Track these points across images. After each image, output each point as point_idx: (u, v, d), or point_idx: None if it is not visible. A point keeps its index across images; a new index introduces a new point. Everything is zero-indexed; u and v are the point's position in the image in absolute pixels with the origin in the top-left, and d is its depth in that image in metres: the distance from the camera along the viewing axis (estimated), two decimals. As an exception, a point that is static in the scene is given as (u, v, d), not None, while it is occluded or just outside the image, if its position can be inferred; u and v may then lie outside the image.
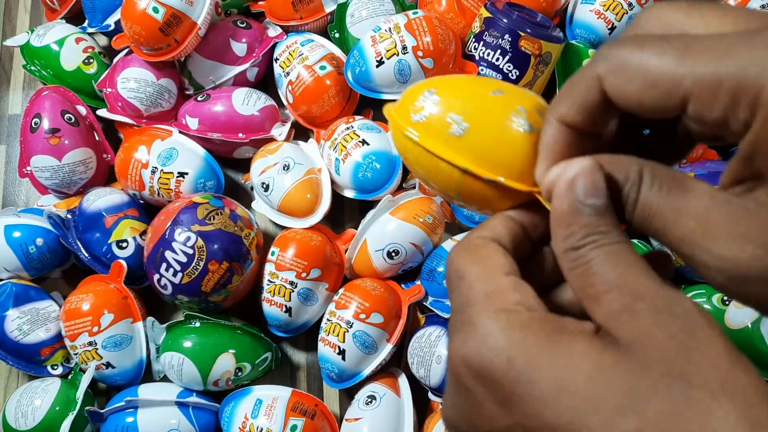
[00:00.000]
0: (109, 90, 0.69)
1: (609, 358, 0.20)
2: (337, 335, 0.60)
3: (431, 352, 0.59)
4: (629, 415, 0.19)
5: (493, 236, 0.25)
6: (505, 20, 0.62)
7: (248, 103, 0.67)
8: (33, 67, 0.71)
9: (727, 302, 0.58)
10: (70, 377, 0.63)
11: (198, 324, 0.62)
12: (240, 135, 0.67)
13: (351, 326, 0.59)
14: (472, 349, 0.22)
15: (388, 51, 0.63)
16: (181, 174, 0.65)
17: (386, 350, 0.60)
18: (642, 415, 0.19)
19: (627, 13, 0.68)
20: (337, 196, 0.67)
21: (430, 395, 0.63)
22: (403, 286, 0.65)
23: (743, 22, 0.22)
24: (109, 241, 0.63)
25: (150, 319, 0.62)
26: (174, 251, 0.58)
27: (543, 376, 0.20)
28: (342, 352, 0.59)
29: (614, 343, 0.20)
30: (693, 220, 0.21)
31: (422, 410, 0.63)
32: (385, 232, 0.63)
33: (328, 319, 0.61)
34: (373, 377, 0.62)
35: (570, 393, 0.20)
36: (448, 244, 0.64)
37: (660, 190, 0.22)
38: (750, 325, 0.57)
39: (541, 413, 0.20)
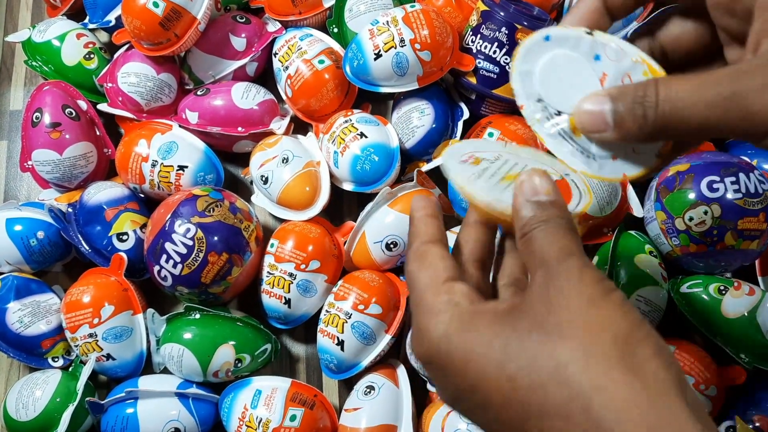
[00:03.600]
0: (110, 85, 0.70)
1: (499, 327, 0.27)
2: (336, 326, 0.60)
3: None
4: (507, 367, 0.26)
5: (433, 239, 0.33)
6: (501, 13, 0.63)
7: (247, 97, 0.68)
8: (34, 63, 0.72)
9: (723, 292, 0.59)
10: (70, 369, 0.64)
11: (198, 316, 0.62)
12: (239, 129, 0.68)
13: (350, 317, 0.60)
14: (423, 351, 0.29)
15: (385, 44, 0.63)
16: (181, 167, 0.65)
17: (385, 341, 0.61)
18: (515, 363, 0.26)
19: (623, 7, 0.69)
20: (335, 189, 0.67)
21: (429, 387, 0.63)
22: (401, 278, 0.65)
23: None
24: (109, 234, 0.64)
25: (150, 310, 0.63)
26: (174, 243, 0.59)
27: (456, 358, 0.27)
28: (341, 343, 0.60)
29: (511, 313, 0.27)
30: (715, 89, 0.27)
31: (421, 401, 0.63)
32: (384, 224, 0.63)
33: (327, 311, 0.62)
34: (372, 368, 0.62)
35: (474, 362, 0.27)
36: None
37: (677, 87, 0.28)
38: (746, 314, 0.57)
39: (460, 383, 0.28)
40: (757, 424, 0.57)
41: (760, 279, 0.63)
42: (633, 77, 0.30)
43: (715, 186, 0.58)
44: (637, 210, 0.64)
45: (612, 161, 0.31)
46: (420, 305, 0.30)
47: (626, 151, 0.31)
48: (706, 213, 0.58)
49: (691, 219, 0.59)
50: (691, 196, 0.59)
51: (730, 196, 0.58)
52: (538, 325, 0.26)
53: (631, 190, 0.65)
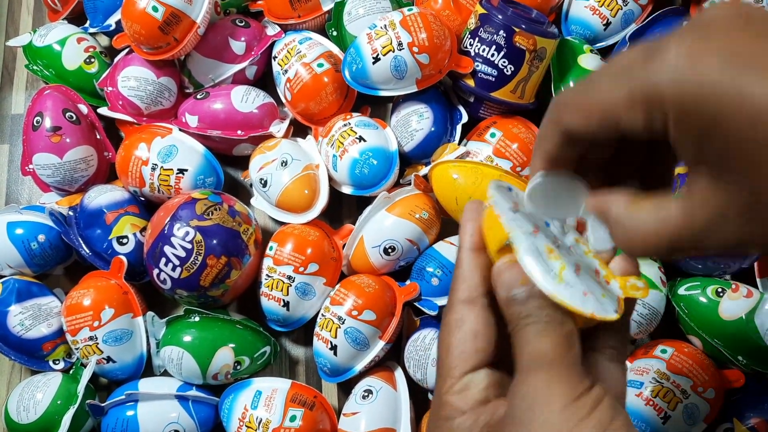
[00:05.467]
0: (110, 89, 0.70)
1: None
2: (330, 331, 0.60)
3: (426, 355, 0.60)
4: None
5: (471, 297, 0.29)
6: (500, 16, 0.63)
7: (247, 100, 0.68)
8: (35, 67, 0.72)
9: (721, 294, 0.59)
10: (71, 372, 0.64)
11: (197, 318, 0.62)
12: (239, 132, 0.68)
13: (343, 322, 0.60)
14: None
15: (384, 48, 0.63)
16: (181, 171, 0.66)
17: (378, 347, 0.61)
18: None
19: (621, 9, 0.69)
20: (334, 192, 0.67)
21: (431, 396, 0.63)
22: (399, 283, 0.65)
23: None
24: (109, 238, 0.64)
25: (150, 313, 0.63)
26: (173, 246, 0.59)
27: None
28: (334, 348, 0.60)
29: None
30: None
31: (421, 405, 0.63)
32: (381, 228, 0.63)
33: (322, 314, 0.62)
34: (369, 371, 0.62)
35: None
36: (440, 246, 0.64)
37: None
38: (744, 317, 0.57)
39: None
40: (755, 427, 0.57)
41: (758, 281, 0.63)
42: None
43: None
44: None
45: (583, 296, 0.28)
46: (436, 398, 0.30)
47: (596, 295, 0.28)
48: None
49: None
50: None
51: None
52: None
53: None
